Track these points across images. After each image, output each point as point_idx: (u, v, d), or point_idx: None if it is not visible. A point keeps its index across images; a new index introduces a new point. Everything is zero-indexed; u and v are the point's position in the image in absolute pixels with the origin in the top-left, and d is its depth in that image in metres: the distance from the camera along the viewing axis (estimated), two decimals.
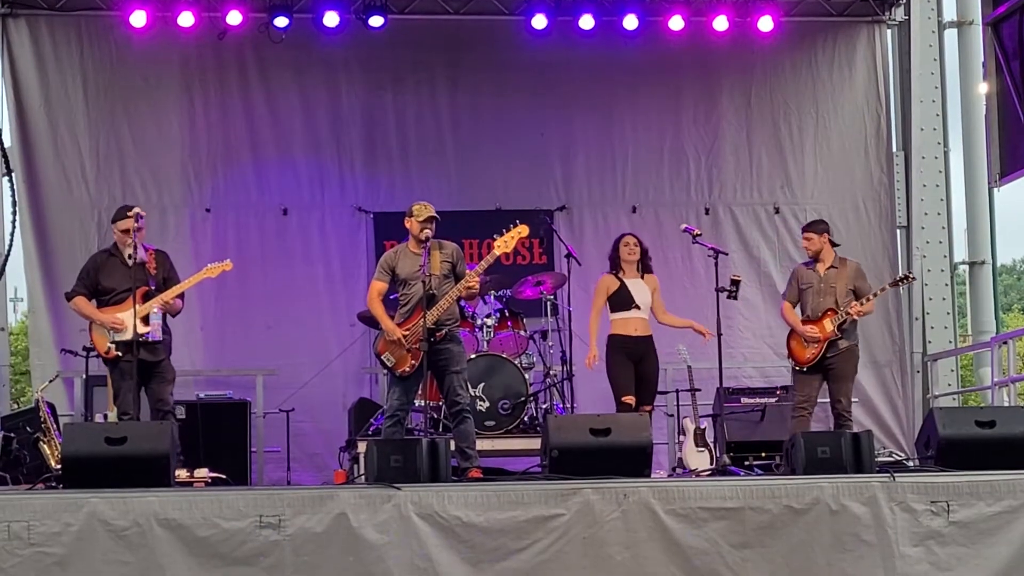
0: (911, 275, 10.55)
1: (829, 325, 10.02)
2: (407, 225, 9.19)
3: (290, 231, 13.09)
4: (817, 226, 10.36)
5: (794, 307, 10.28)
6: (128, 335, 9.08)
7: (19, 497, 7.24)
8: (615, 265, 10.34)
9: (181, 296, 9.47)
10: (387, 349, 9.11)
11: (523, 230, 9.26)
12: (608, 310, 10.28)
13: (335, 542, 7.17)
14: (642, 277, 10.30)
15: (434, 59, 13.32)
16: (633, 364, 10.11)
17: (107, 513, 7.08)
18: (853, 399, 12.80)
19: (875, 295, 10.30)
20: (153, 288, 9.30)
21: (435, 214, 9.11)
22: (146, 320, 9.18)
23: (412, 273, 9.07)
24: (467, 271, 9.15)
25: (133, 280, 9.13)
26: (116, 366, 9.21)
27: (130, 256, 9.23)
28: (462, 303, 9.76)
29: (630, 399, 9.96)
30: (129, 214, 9.28)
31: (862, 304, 10.07)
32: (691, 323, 10.44)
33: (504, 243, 9.17)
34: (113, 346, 9.15)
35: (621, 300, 10.19)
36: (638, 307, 10.13)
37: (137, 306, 9.08)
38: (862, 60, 13.65)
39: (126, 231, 9.28)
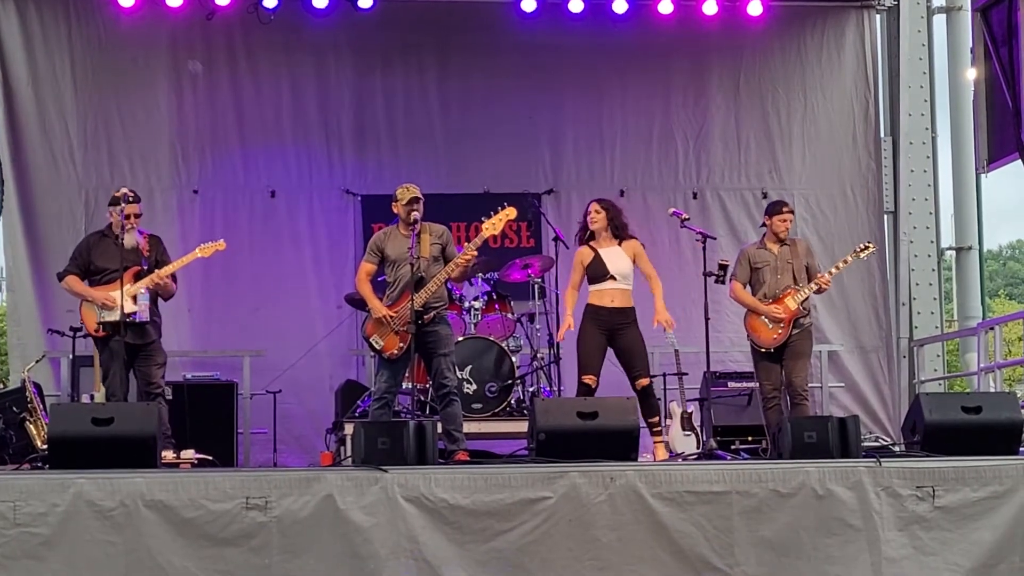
0: (871, 245, 10.28)
1: (792, 303, 9.76)
2: (394, 210, 9.20)
3: (278, 213, 13.05)
4: (788, 205, 10.18)
5: (744, 287, 9.99)
6: (117, 315, 9.09)
7: (5, 477, 7.24)
8: (589, 236, 9.77)
9: (175, 279, 9.50)
10: (375, 331, 9.10)
11: (511, 212, 9.24)
12: (586, 284, 9.68)
13: (322, 524, 7.18)
14: (619, 244, 9.65)
15: (423, 42, 13.28)
16: (607, 338, 9.49)
17: (93, 494, 7.09)
18: (839, 383, 12.96)
19: (838, 268, 10.08)
20: (145, 269, 9.36)
21: (419, 195, 9.09)
22: (135, 300, 9.20)
23: (401, 255, 9.06)
24: (457, 254, 9.14)
25: (122, 261, 9.14)
26: (106, 346, 9.23)
27: (117, 237, 9.29)
28: (450, 285, 9.74)
29: (590, 379, 9.43)
30: (131, 201, 9.33)
31: (828, 275, 9.85)
32: (657, 311, 9.70)
33: (492, 225, 9.15)
34: (101, 326, 9.19)
35: (596, 271, 9.57)
36: (614, 277, 9.51)
37: (127, 285, 9.11)
38: (851, 45, 13.63)
39: (127, 216, 9.32)
